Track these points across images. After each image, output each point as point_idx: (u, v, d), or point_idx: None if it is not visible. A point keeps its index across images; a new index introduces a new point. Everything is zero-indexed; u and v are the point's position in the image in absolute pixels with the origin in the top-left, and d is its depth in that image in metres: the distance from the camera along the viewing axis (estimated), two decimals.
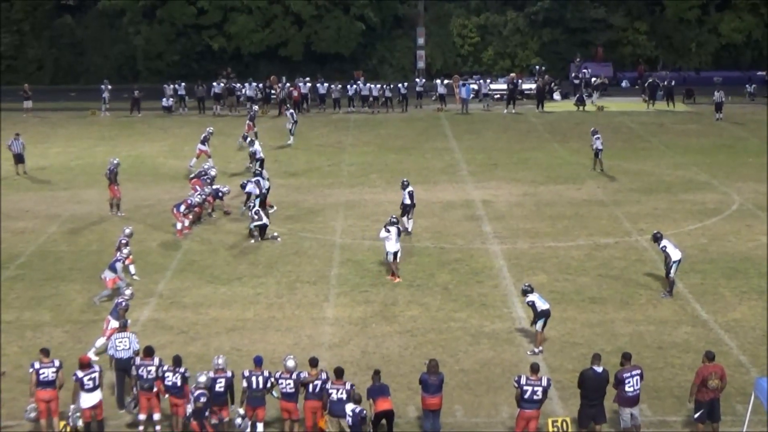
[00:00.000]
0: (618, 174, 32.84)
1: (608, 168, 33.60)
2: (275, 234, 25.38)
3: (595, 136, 33.13)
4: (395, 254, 21.97)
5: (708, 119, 44.53)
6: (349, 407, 14.28)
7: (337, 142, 39.33)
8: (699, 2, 56.51)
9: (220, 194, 27.54)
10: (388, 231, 21.85)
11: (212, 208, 27.57)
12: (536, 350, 18.01)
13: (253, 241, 25.01)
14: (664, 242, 20.92)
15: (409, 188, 25.60)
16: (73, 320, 19.86)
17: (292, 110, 41.05)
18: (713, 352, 15.24)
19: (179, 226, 25.55)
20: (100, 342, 17.56)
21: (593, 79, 51.16)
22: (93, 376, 14.71)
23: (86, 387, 14.59)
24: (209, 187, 27.61)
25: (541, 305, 18.04)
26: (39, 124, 43.98)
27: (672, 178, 32.29)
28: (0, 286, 21.79)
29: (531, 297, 18.20)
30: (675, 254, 20.69)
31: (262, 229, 25.10)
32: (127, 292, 18.63)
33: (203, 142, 33.21)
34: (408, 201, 25.47)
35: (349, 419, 14.19)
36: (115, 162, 27.99)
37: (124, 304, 17.75)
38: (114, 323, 17.26)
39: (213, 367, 15.00)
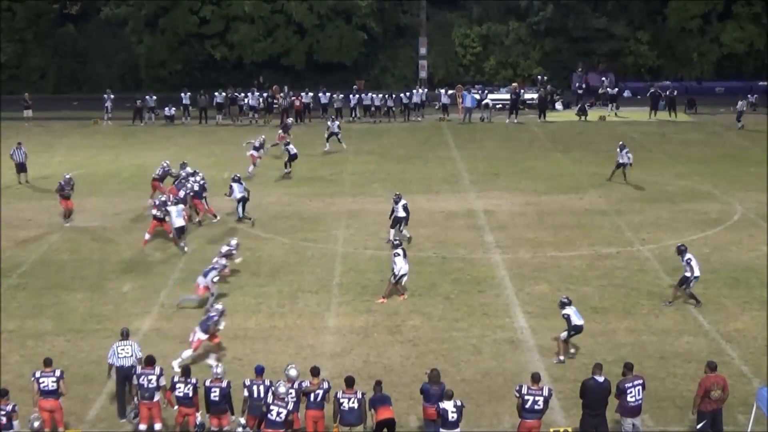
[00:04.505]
0: (620, 184, 32.87)
1: (611, 178, 33.66)
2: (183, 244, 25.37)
3: (624, 151, 32.86)
4: (404, 276, 21.53)
5: (710, 128, 44.62)
6: (450, 404, 14.22)
7: (339, 151, 39.39)
8: (701, 12, 56.62)
9: (198, 194, 27.45)
10: (398, 254, 21.49)
11: (198, 212, 27.50)
12: (561, 358, 18.07)
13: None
14: (688, 255, 20.92)
15: (403, 201, 25.45)
16: (75, 329, 19.87)
17: (335, 121, 41.08)
18: (715, 363, 15.26)
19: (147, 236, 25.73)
20: (187, 353, 17.53)
21: (611, 90, 50.85)
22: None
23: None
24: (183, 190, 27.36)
25: (576, 320, 18.08)
26: (41, 133, 44.12)
27: (674, 188, 32.34)
28: (0, 295, 21.83)
29: (567, 310, 18.22)
30: (696, 270, 20.67)
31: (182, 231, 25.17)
32: (218, 306, 18.35)
33: (257, 149, 34.13)
34: (402, 214, 25.33)
35: (453, 414, 14.15)
36: (68, 176, 28.09)
37: (215, 318, 17.79)
38: (201, 335, 17.46)
39: (211, 376, 15.04)
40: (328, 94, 49.04)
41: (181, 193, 27.17)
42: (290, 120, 43.11)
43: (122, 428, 15.76)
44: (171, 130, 45.84)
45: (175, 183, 28.32)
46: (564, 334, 18.19)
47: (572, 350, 18.33)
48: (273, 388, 14.60)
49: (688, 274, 20.73)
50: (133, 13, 56.67)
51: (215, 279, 20.92)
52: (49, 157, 38.29)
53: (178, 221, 25.04)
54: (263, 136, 36.39)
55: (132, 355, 16.03)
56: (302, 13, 56.39)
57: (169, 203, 25.57)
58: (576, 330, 18.14)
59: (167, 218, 25.25)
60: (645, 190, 32.04)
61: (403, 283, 21.59)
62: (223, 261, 21.63)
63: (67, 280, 23.08)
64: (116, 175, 34.55)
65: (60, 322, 20.38)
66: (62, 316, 20.73)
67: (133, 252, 25.20)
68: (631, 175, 33.28)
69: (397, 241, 22.51)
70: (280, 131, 38.61)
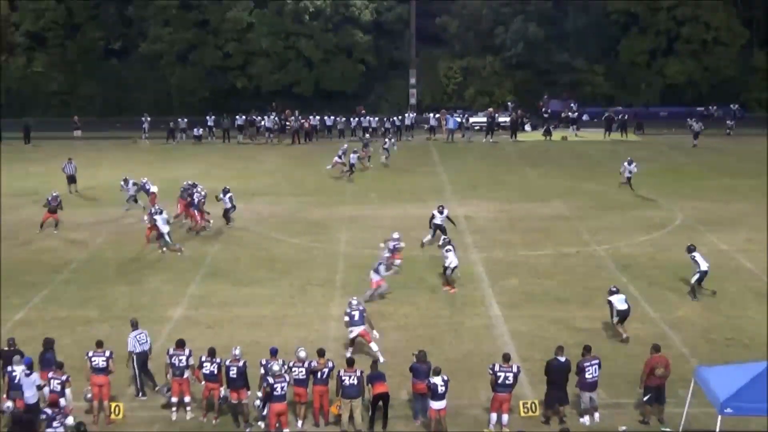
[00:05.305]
0: (579, 194, 32.92)
1: (570, 190, 33.65)
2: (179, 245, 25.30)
3: (632, 165, 32.76)
4: (456, 268, 21.57)
5: (655, 147, 44.64)
6: (438, 379, 14.25)
7: (342, 165, 39.35)
8: (647, 49, 56.90)
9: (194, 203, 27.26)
10: (450, 250, 21.63)
11: (196, 220, 27.18)
12: (624, 336, 18.00)
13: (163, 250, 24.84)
14: (694, 253, 20.88)
15: (446, 212, 25.32)
16: (117, 317, 19.83)
17: (392, 140, 42.59)
18: (659, 345, 15.34)
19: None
20: (375, 346, 17.29)
21: (572, 114, 50.91)
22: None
23: None
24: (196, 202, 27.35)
25: (619, 306, 18.09)
26: (89, 150, 44.03)
27: (625, 198, 32.33)
28: (0, 292, 21.79)
29: (612, 297, 18.26)
30: (703, 265, 20.62)
31: (168, 235, 25.00)
32: (354, 302, 17.84)
33: (340, 157, 36.21)
34: (440, 222, 25.07)
35: (442, 387, 14.21)
36: (56, 194, 28.02)
37: (363, 310, 17.53)
38: (358, 329, 17.20)
39: (230, 356, 15.02)
40: (332, 117, 49.15)
41: (196, 198, 27.18)
42: (368, 135, 45.19)
43: (157, 401, 15.74)
44: (199, 148, 45.80)
45: (181, 195, 28.21)
46: (615, 320, 18.19)
47: (624, 335, 18.11)
48: (269, 369, 14.51)
49: (697, 269, 20.65)
50: (167, 49, 56.68)
51: (384, 271, 20.69)
52: (95, 170, 38.22)
53: (164, 228, 24.92)
54: (345, 146, 38.05)
55: (147, 342, 16.02)
56: (310, 49, 56.46)
57: (155, 214, 25.33)
58: (620, 315, 18.05)
59: (156, 225, 25.05)
60: (600, 199, 32.09)
61: (452, 275, 21.50)
62: (387, 254, 21.38)
63: (110, 275, 23.09)
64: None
65: (104, 310, 20.38)
66: (106, 305, 20.73)
67: (165, 252, 25.16)
68: (586, 186, 33.36)
69: (447, 239, 22.49)
70: (363, 148, 39.45)
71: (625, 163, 33.24)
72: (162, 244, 24.96)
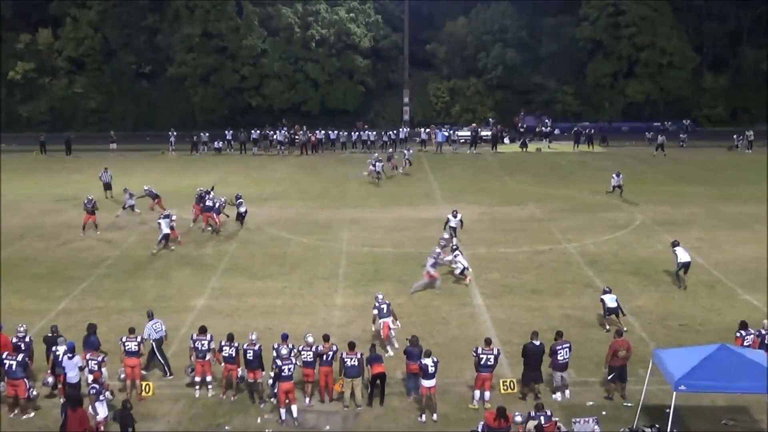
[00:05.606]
0: (552, 198, 32.90)
1: (544, 195, 33.63)
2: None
3: (620, 176, 32.71)
4: (467, 268, 21.34)
5: (618, 158, 44.61)
6: (429, 360, 14.14)
7: (344, 174, 39.41)
8: (611, 72, 57.06)
9: (214, 210, 27.02)
10: (458, 254, 21.47)
11: (211, 222, 26.97)
12: (607, 328, 17.83)
13: (155, 250, 24.44)
14: (675, 248, 20.84)
15: (459, 216, 25.11)
16: (147, 307, 19.52)
17: (410, 150, 42.08)
18: (622, 330, 15.33)
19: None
20: (391, 346, 17.05)
21: (546, 128, 50.97)
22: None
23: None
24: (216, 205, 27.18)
25: (609, 303, 17.92)
26: (123, 161, 43.97)
27: (592, 201, 32.36)
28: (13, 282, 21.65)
29: (603, 296, 18.12)
30: (683, 258, 20.53)
31: (166, 237, 24.72)
32: (380, 297, 17.53)
33: (373, 165, 36.19)
34: (455, 224, 24.93)
35: (432, 367, 14.12)
36: (91, 197, 27.75)
37: (388, 306, 17.25)
38: (387, 319, 16.89)
39: (247, 341, 14.99)
40: (335, 132, 49.14)
41: (217, 204, 27.10)
42: (390, 150, 44.89)
43: (183, 380, 15.69)
44: (218, 158, 45.73)
45: (197, 201, 28.01)
46: (605, 314, 18.05)
47: (607, 327, 17.91)
48: (278, 352, 14.48)
49: (678, 261, 20.61)
50: (191, 72, 56.67)
51: (434, 265, 20.47)
52: (128, 178, 37.98)
53: (165, 230, 24.65)
54: (376, 154, 38.32)
55: (162, 330, 15.98)
56: (316, 72, 56.55)
57: (161, 217, 25.15)
58: (609, 311, 17.87)
59: (160, 226, 24.80)
60: (570, 202, 32.08)
61: (467, 273, 21.30)
62: (438, 250, 21.20)
63: (141, 270, 23.03)
64: (178, 192, 34.38)
65: (136, 301, 20.32)
66: (137, 297, 20.68)
67: (189, 249, 25.14)
68: (557, 192, 33.27)
69: (455, 246, 22.35)
70: (387, 160, 39.32)
71: (614, 175, 33.22)
72: (163, 243, 24.63)
